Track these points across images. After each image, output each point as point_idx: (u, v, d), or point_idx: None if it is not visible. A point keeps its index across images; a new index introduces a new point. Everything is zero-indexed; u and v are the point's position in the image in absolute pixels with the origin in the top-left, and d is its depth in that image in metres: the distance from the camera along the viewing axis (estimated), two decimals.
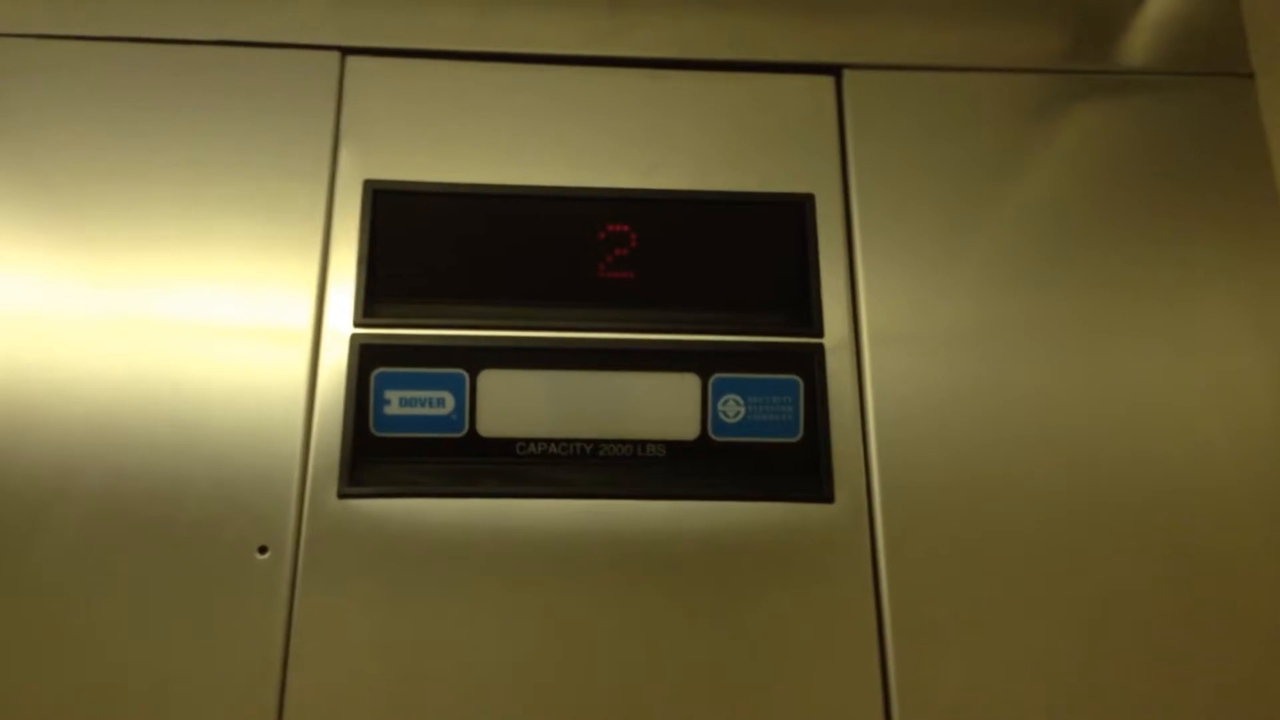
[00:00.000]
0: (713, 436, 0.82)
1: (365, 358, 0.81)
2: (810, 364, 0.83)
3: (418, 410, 0.80)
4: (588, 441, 0.81)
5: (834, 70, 0.92)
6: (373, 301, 0.82)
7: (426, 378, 0.81)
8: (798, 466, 0.81)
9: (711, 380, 0.83)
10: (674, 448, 0.81)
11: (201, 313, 0.81)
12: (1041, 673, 0.77)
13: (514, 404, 0.81)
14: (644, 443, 0.81)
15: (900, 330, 0.84)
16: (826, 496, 0.80)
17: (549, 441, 0.81)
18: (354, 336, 0.81)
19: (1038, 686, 0.77)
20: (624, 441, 0.81)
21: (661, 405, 0.82)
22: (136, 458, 0.77)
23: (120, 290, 0.81)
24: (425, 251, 0.84)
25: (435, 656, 0.75)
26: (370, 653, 0.74)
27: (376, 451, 0.79)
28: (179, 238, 0.83)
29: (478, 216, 0.85)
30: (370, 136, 0.87)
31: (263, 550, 0.76)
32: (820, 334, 0.84)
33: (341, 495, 0.77)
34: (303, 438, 0.78)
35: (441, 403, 0.81)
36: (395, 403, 0.80)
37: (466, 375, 0.81)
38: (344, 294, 0.82)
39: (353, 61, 0.89)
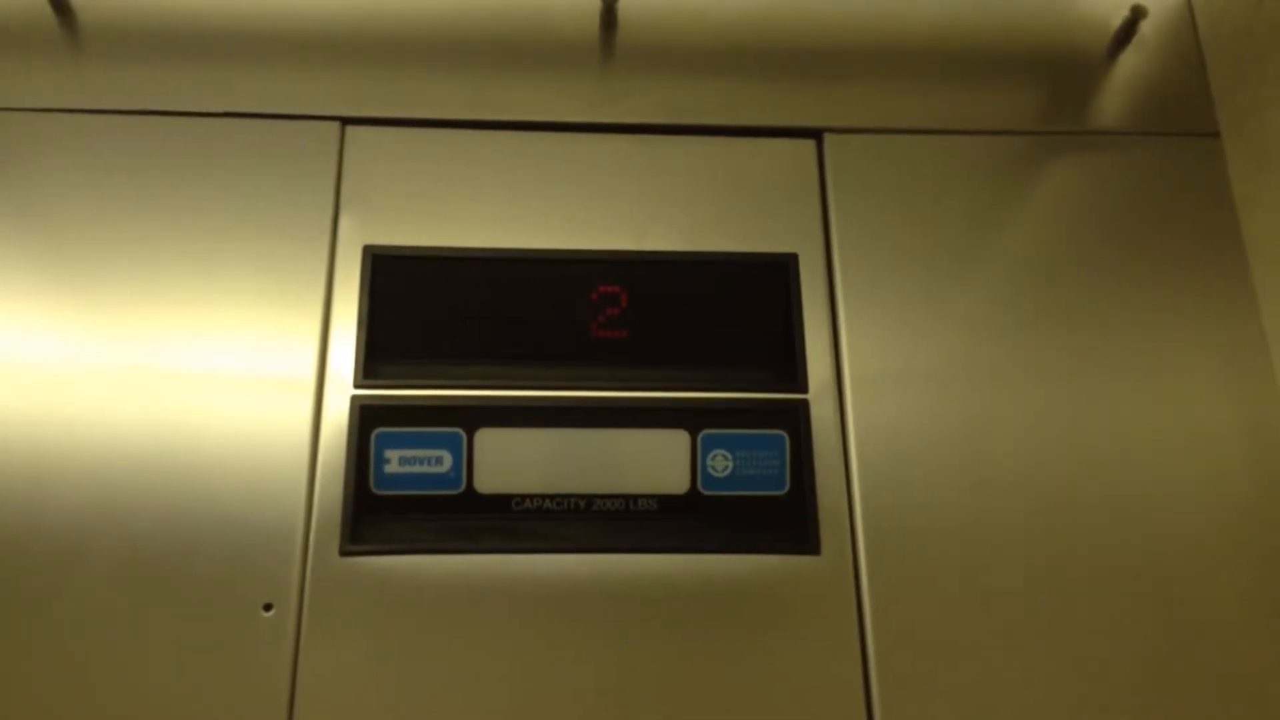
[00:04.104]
0: (702, 491, 0.84)
1: (365, 418, 0.83)
2: (795, 419, 0.86)
3: (417, 469, 0.83)
4: (581, 497, 0.83)
5: (815, 134, 0.95)
6: (373, 363, 0.85)
7: (425, 437, 0.83)
8: (785, 519, 0.83)
9: (700, 436, 0.85)
10: (665, 502, 0.84)
11: (207, 375, 0.83)
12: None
13: (510, 461, 0.84)
14: (636, 497, 0.84)
15: (882, 383, 0.87)
16: (813, 549, 0.82)
17: (544, 497, 0.83)
18: (354, 397, 0.84)
19: None
20: (617, 496, 0.83)
21: (652, 461, 0.84)
22: (150, 518, 0.79)
23: (134, 353, 0.84)
24: (423, 314, 0.87)
25: (436, 708, 0.77)
26: (372, 706, 0.77)
27: (377, 509, 0.82)
28: (187, 302, 0.85)
29: (474, 279, 0.88)
30: (369, 203, 0.90)
31: (268, 608, 0.78)
32: (805, 389, 0.87)
33: (343, 553, 0.80)
34: (306, 497, 0.81)
35: (440, 461, 0.83)
36: (395, 461, 0.83)
37: (464, 434, 0.84)
38: (345, 355, 0.85)
39: (352, 131, 0.92)
